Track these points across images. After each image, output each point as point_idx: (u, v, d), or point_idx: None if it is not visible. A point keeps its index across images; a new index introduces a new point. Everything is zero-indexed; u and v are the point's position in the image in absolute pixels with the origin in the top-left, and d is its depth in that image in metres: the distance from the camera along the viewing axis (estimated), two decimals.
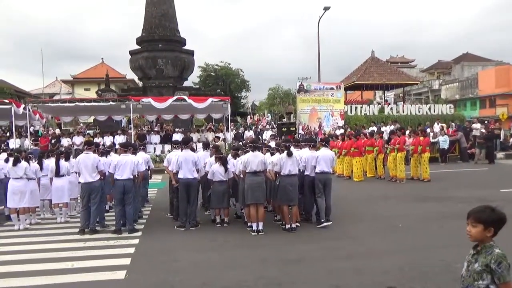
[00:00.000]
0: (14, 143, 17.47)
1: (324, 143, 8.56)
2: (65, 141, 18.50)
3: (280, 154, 7.97)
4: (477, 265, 2.68)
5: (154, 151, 19.22)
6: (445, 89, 55.06)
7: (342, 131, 19.36)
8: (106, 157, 9.47)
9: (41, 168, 9.07)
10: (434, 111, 24.49)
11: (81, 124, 27.57)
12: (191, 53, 31.06)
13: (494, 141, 20.36)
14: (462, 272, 2.83)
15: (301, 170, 8.21)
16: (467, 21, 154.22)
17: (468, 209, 8.53)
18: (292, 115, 29.55)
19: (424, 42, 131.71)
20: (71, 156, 9.53)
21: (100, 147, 10.79)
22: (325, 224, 7.98)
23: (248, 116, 41.69)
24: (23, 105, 17.63)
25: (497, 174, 15.61)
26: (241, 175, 7.84)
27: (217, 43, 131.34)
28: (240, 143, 18.60)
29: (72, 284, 5.38)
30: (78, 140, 18.66)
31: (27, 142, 17.44)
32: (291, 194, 7.69)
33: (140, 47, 30.04)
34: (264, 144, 9.93)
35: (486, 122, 28.00)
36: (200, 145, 18.70)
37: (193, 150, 8.67)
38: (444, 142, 18.96)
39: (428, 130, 19.86)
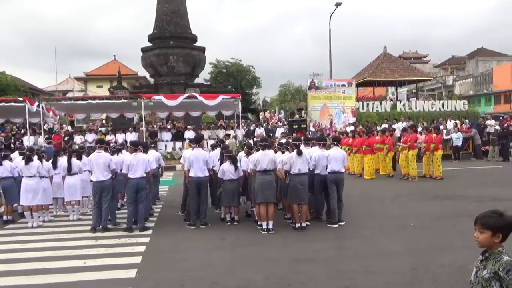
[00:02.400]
0: (28, 140, 17.72)
1: (335, 142, 8.49)
2: (78, 138, 18.70)
3: (290, 152, 7.95)
4: (485, 272, 2.62)
5: (166, 149, 19.34)
6: (459, 85, 54.36)
7: (352, 128, 19.23)
8: (117, 155, 9.56)
9: (55, 167, 9.18)
10: (448, 108, 24.20)
11: (97, 121, 27.80)
12: (202, 50, 31.11)
13: (509, 138, 20.01)
14: (471, 278, 2.80)
15: (311, 169, 8.17)
16: (482, 15, 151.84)
17: (482, 208, 8.45)
18: (303, 111, 29.45)
19: (438, 37, 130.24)
20: (83, 155, 9.60)
21: (111, 144, 10.92)
22: (336, 225, 7.96)
23: (260, 113, 41.64)
24: (36, 103, 17.81)
25: (511, 172, 15.36)
26: (252, 174, 7.84)
27: (228, 39, 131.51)
28: (251, 140, 18.65)
29: (84, 282, 5.44)
30: (91, 137, 18.85)
31: (41, 140, 17.64)
32: (301, 193, 7.66)
33: (151, 44, 30.18)
34: (275, 142, 9.91)
35: (500, 118, 27.59)
36: (210, 142, 18.87)
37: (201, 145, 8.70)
38: (457, 139, 18.71)
39: (441, 127, 19.62)
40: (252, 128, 22.76)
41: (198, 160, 8.11)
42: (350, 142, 15.09)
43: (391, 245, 6.79)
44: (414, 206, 9.71)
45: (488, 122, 22.60)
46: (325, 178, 8.20)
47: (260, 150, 7.73)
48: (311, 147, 8.84)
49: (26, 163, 8.59)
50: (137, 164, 7.93)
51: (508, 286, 2.53)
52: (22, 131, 21.75)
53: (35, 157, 8.81)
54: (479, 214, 2.72)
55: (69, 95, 43.72)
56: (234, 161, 8.31)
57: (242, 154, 8.91)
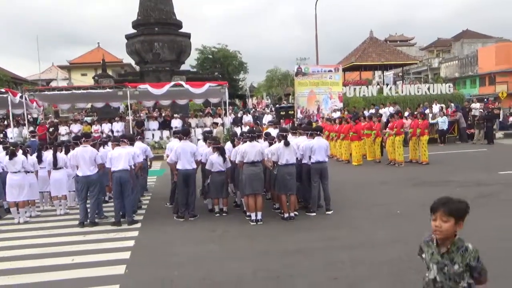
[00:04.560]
0: (12, 132, 17.43)
1: (318, 132, 8.48)
2: (62, 129, 18.45)
3: (278, 142, 7.95)
4: (456, 266, 2.47)
5: (153, 137, 19.21)
6: (444, 67, 54.73)
7: (339, 114, 19.29)
8: (103, 147, 9.47)
9: (40, 161, 9.06)
10: (433, 91, 24.35)
11: (82, 111, 27.37)
12: (187, 36, 30.69)
13: (494, 121, 20.31)
14: (431, 276, 2.56)
15: (298, 159, 8.20)
16: None
17: (467, 193, 8.61)
18: (290, 96, 29.39)
19: (423, 19, 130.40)
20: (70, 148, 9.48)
21: (98, 135, 10.81)
22: (314, 214, 8.05)
23: (250, 99, 41.52)
24: (19, 94, 17.46)
25: (495, 156, 15.62)
26: (239, 165, 7.84)
27: (214, 24, 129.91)
28: (239, 127, 18.60)
29: (73, 280, 5.41)
30: (76, 128, 18.61)
31: (25, 131, 17.37)
32: (289, 184, 7.69)
33: (136, 31, 29.67)
34: (263, 129, 9.89)
35: (485, 100, 27.93)
36: (198, 130, 18.79)
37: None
38: (443, 123, 18.93)
39: (427, 111, 19.80)
40: (239, 115, 22.68)
41: (185, 152, 8.07)
42: (337, 129, 15.15)
43: (378, 234, 6.87)
44: (401, 193, 9.84)
45: (473, 105, 22.89)
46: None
47: (248, 142, 7.71)
48: (298, 136, 8.86)
49: (10, 158, 8.45)
50: (118, 157, 7.87)
51: (481, 272, 2.47)
52: (6, 123, 21.37)
53: (20, 152, 8.69)
54: (436, 200, 2.51)
55: (53, 84, 42.96)
56: (222, 152, 8.28)
57: (229, 145, 8.88)
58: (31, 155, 8.98)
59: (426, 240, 2.59)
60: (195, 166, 8.23)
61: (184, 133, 8.53)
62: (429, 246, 2.54)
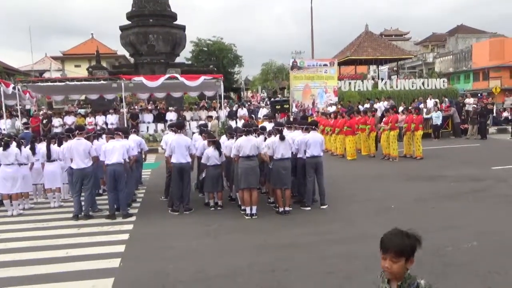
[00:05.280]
0: (5, 123, 17.26)
1: (313, 126, 8.49)
2: (56, 121, 18.31)
3: (274, 136, 7.94)
4: None
5: (147, 130, 19.12)
6: (439, 62, 54.86)
7: (334, 108, 19.32)
8: (98, 140, 9.42)
9: (34, 153, 8.99)
10: (428, 86, 24.42)
11: (75, 102, 27.17)
12: (182, 28, 30.48)
13: (487, 116, 20.43)
14: None
15: (294, 153, 8.20)
16: None
17: (461, 188, 8.66)
18: (285, 90, 29.35)
19: (419, 14, 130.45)
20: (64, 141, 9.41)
21: (92, 127, 10.73)
22: (308, 208, 8.08)
23: (246, 92, 41.43)
24: (12, 85, 17.29)
25: (488, 151, 15.74)
26: (235, 159, 7.83)
27: (209, 16, 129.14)
28: (234, 121, 18.55)
29: (67, 273, 5.39)
30: (70, 120, 18.47)
31: (18, 123, 17.21)
32: (284, 178, 7.70)
33: (130, 22, 29.41)
34: (258, 123, 9.86)
35: (479, 95, 28.08)
36: (193, 123, 18.72)
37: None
38: (437, 118, 19.01)
39: (422, 105, 19.87)
40: (234, 108, 22.62)
41: (180, 145, 8.04)
42: (332, 123, 15.16)
43: (372, 228, 6.89)
44: (395, 187, 9.89)
45: (466, 100, 23.00)
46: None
47: (243, 136, 7.69)
48: (293, 130, 8.86)
49: (4, 149, 8.38)
50: (112, 150, 7.83)
51: None
52: None
53: (13, 144, 8.62)
54: (384, 237, 2.37)
55: (46, 75, 42.55)
56: (218, 146, 8.27)
57: (224, 138, 8.87)
58: (25, 147, 8.90)
59: (380, 275, 2.45)
60: (189, 160, 8.21)
61: (178, 126, 8.49)
62: (383, 282, 2.42)
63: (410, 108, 15.83)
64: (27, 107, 21.98)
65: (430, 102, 20.87)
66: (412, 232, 2.34)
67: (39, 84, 18.33)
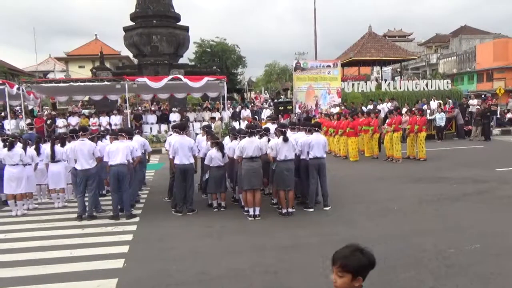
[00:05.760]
0: (9, 123, 17.37)
1: (316, 128, 8.50)
2: (60, 122, 18.39)
3: (277, 138, 7.96)
4: None
5: (151, 131, 19.18)
6: (442, 63, 54.73)
7: (337, 109, 19.31)
8: (101, 141, 9.48)
9: (39, 153, 9.05)
10: (432, 87, 24.36)
11: (79, 103, 27.24)
12: (186, 29, 30.57)
13: (491, 118, 20.37)
14: None
15: (297, 154, 8.21)
16: None
17: (464, 190, 8.66)
18: (288, 91, 29.34)
19: (422, 15, 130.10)
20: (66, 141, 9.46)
21: (96, 128, 10.76)
22: (311, 209, 8.09)
23: (249, 93, 41.45)
24: (16, 85, 17.40)
25: (492, 152, 15.69)
26: (238, 161, 7.85)
27: (212, 17, 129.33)
28: (237, 122, 18.58)
29: (71, 274, 5.43)
30: (74, 120, 18.56)
31: (22, 123, 17.31)
32: (287, 180, 7.71)
33: (134, 23, 29.51)
34: (261, 124, 9.86)
35: (483, 96, 27.96)
36: (196, 124, 18.76)
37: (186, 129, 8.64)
38: (440, 119, 18.97)
39: (425, 107, 19.83)
40: (238, 109, 22.65)
41: (183, 147, 8.07)
42: (335, 124, 15.16)
43: (375, 229, 6.91)
44: (398, 189, 9.88)
45: (470, 101, 22.91)
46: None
47: (247, 137, 7.71)
48: (297, 131, 8.87)
49: (9, 149, 8.44)
50: (116, 151, 7.86)
51: None
52: (3, 114, 21.28)
53: (18, 145, 8.68)
54: (336, 251, 2.24)
55: (50, 75, 42.75)
56: (221, 147, 8.30)
57: (227, 139, 8.89)
58: (30, 147, 8.96)
59: None
60: (192, 161, 8.23)
61: (180, 128, 8.50)
62: None
63: (413, 109, 15.80)
64: (30, 107, 22.01)
65: (434, 104, 20.82)
66: (368, 251, 2.20)
67: (43, 85, 18.47)
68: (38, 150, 9.08)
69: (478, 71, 46.76)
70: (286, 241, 6.43)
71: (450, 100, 22.18)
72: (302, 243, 6.32)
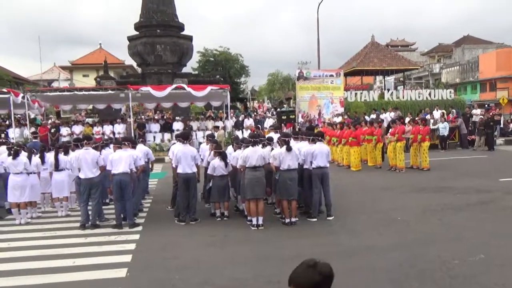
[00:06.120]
0: (13, 132, 17.46)
1: (319, 137, 8.52)
2: (64, 131, 18.48)
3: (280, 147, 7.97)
4: None
5: (154, 140, 19.23)
6: (445, 73, 54.79)
7: (340, 118, 19.32)
8: (105, 149, 9.51)
9: (43, 162, 9.09)
10: (435, 96, 24.39)
11: (82, 111, 27.37)
12: (189, 38, 30.74)
13: (494, 127, 20.33)
14: None
15: (300, 164, 8.22)
16: (468, 2, 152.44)
17: (467, 200, 8.63)
18: (291, 100, 29.40)
19: (425, 24, 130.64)
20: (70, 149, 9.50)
21: (99, 137, 10.81)
22: (315, 219, 8.07)
23: (252, 102, 41.58)
24: (21, 94, 17.52)
25: (496, 162, 15.64)
26: (241, 170, 7.86)
27: (216, 26, 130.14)
28: (240, 131, 18.63)
29: (74, 283, 5.44)
30: (78, 129, 18.64)
31: (27, 132, 17.41)
32: (291, 189, 7.71)
33: (138, 32, 29.72)
34: (264, 133, 9.87)
35: (486, 106, 27.94)
36: (199, 133, 18.82)
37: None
38: (444, 129, 18.94)
39: (428, 116, 19.83)
40: (241, 119, 22.70)
41: (186, 156, 8.09)
42: (338, 134, 15.17)
43: (378, 240, 6.89)
44: (401, 199, 9.85)
45: (474, 111, 22.89)
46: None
47: (250, 147, 7.73)
48: (300, 141, 8.88)
49: (14, 158, 8.48)
50: (119, 160, 7.89)
51: None
52: (7, 122, 21.41)
53: (23, 153, 8.72)
54: (293, 271, 2.09)
55: (55, 84, 43.05)
56: (224, 157, 8.31)
57: (230, 149, 8.91)
58: (35, 156, 9.01)
59: None
60: (195, 170, 8.24)
61: (184, 137, 8.53)
62: None
63: (416, 119, 15.80)
64: (32, 116, 22.01)
65: (437, 113, 20.82)
66: (322, 264, 2.07)
67: (48, 93, 18.62)
68: (42, 158, 9.12)
69: (481, 80, 46.77)
70: (289, 251, 6.41)
71: (454, 110, 22.16)
72: (305, 253, 6.28)
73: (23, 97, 17.14)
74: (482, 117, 20.80)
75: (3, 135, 18.12)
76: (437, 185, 11.19)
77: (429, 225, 7.64)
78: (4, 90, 18.40)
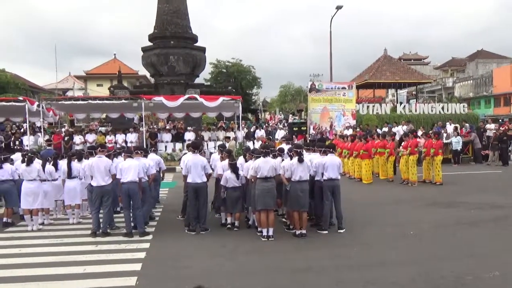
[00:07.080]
0: (28, 140, 17.71)
1: (331, 149, 8.48)
2: (77, 139, 18.69)
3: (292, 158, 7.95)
4: None
5: (166, 149, 19.34)
6: (459, 87, 54.43)
7: (351, 131, 19.23)
8: (117, 158, 9.57)
9: (56, 169, 9.18)
10: (448, 110, 24.20)
11: (96, 120, 27.69)
12: (202, 50, 31.10)
13: (508, 142, 20.04)
14: None
15: (312, 175, 8.17)
16: (481, 16, 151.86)
17: (481, 215, 8.48)
18: (303, 112, 29.39)
19: (438, 38, 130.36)
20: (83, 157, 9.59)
21: (112, 145, 10.89)
22: (326, 231, 8.02)
23: (264, 114, 41.70)
24: (36, 102, 17.80)
25: (510, 177, 15.38)
26: (252, 180, 7.85)
27: (229, 38, 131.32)
28: (251, 142, 18.64)
29: None
30: (91, 137, 18.83)
31: (41, 140, 17.63)
32: (302, 200, 7.66)
33: (152, 43, 30.16)
34: (276, 145, 9.85)
35: (500, 120, 27.62)
36: (211, 143, 18.88)
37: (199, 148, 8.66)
38: (457, 143, 18.73)
39: (441, 130, 19.64)
40: (252, 130, 22.75)
41: (196, 165, 8.10)
42: (350, 146, 15.09)
43: (390, 254, 6.80)
44: (414, 213, 9.72)
45: (487, 126, 22.62)
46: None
47: (261, 157, 7.72)
48: (311, 152, 8.85)
49: (28, 164, 8.59)
50: (128, 168, 7.94)
51: None
52: (22, 130, 21.71)
53: (36, 160, 8.83)
54: None
55: (69, 93, 43.73)
56: (235, 169, 8.30)
57: (242, 160, 8.89)
58: (49, 163, 9.12)
59: None
60: (205, 180, 8.24)
61: (194, 147, 8.55)
62: None
63: (429, 132, 15.66)
64: (37, 124, 21.80)
65: (450, 127, 20.62)
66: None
67: (63, 102, 18.86)
68: (56, 166, 9.22)
69: (495, 95, 46.36)
70: (299, 263, 6.35)
71: (467, 124, 21.93)
72: (315, 265, 6.23)
73: (38, 105, 17.42)
74: (495, 131, 20.54)
75: (17, 142, 18.40)
76: (450, 200, 11.03)
77: (442, 240, 7.51)
78: (20, 98, 18.75)
